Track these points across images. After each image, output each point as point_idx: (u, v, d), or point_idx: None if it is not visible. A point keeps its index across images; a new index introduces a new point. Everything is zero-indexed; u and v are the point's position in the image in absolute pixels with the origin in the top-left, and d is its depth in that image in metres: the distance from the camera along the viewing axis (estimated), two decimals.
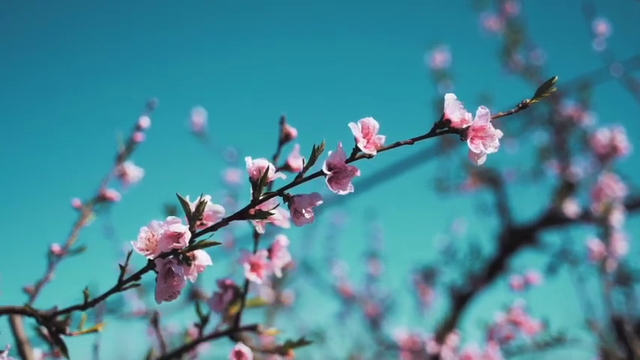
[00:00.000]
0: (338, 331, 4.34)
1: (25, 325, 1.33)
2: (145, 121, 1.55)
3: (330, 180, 0.84)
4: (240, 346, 1.12)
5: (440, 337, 1.99)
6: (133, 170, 1.55)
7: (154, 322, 1.25)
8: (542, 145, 3.68)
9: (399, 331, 2.26)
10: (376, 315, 4.06)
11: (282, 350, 1.16)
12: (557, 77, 0.88)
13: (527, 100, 0.88)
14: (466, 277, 3.69)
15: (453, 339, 1.97)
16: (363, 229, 4.61)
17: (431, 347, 2.00)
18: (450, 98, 0.84)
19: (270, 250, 1.13)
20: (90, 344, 1.34)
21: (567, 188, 3.22)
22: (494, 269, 3.65)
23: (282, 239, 1.14)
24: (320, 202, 0.86)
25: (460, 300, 3.63)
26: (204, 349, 2.55)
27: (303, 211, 0.86)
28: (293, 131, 1.13)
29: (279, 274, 1.14)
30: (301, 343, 1.15)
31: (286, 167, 1.11)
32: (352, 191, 0.84)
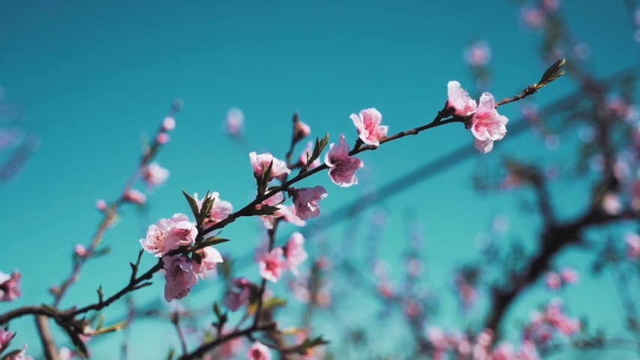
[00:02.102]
0: (379, 332, 4.32)
1: (54, 326, 1.34)
2: (169, 123, 1.55)
3: (333, 172, 0.83)
4: (258, 345, 1.12)
5: (473, 336, 1.96)
6: (158, 171, 1.55)
7: (175, 321, 1.25)
8: (586, 141, 3.60)
9: (433, 331, 2.22)
10: (417, 315, 4.03)
11: (300, 349, 1.15)
12: (564, 60, 0.84)
13: (535, 85, 0.85)
14: (508, 277, 3.63)
15: (485, 339, 1.93)
16: (404, 228, 4.59)
17: (464, 347, 1.97)
18: (453, 86, 0.82)
19: (285, 249, 1.12)
20: (153, 346, 1.34)
21: (610, 185, 3.13)
22: (537, 268, 3.58)
23: (298, 237, 1.13)
24: (325, 195, 0.84)
25: (502, 300, 3.57)
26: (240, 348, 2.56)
27: (308, 204, 0.84)
28: (306, 128, 1.12)
29: (296, 272, 1.13)
30: (319, 342, 1.14)
31: (300, 164, 1.10)
32: (356, 183, 0.82)
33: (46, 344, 1.30)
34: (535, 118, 3.62)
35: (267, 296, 2.52)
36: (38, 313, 1.07)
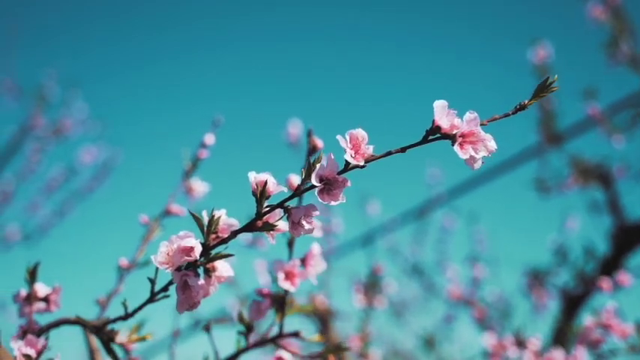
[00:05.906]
0: (447, 335, 4.31)
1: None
2: (209, 139, 1.61)
3: (321, 191, 0.86)
4: (281, 353, 1.17)
5: (522, 341, 1.94)
6: (199, 186, 1.62)
7: (207, 330, 1.31)
8: None
9: (487, 336, 2.21)
10: (485, 319, 3.98)
11: (322, 356, 1.19)
12: (556, 77, 0.85)
13: (525, 102, 0.86)
14: (578, 279, 3.54)
15: (534, 343, 1.91)
16: (468, 232, 4.57)
17: (512, 352, 1.95)
18: (438, 105, 0.84)
19: (303, 260, 1.16)
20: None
21: None
22: (607, 270, 3.48)
23: (315, 248, 1.17)
24: (317, 213, 0.88)
25: (572, 303, 3.48)
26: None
27: (302, 221, 0.88)
28: (319, 143, 1.15)
29: (315, 282, 1.17)
30: (339, 349, 1.18)
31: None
32: (344, 201, 0.86)
33: (92, 352, 1.39)
34: (600, 116, 3.53)
35: (321, 303, 2.57)
36: (73, 323, 1.15)
